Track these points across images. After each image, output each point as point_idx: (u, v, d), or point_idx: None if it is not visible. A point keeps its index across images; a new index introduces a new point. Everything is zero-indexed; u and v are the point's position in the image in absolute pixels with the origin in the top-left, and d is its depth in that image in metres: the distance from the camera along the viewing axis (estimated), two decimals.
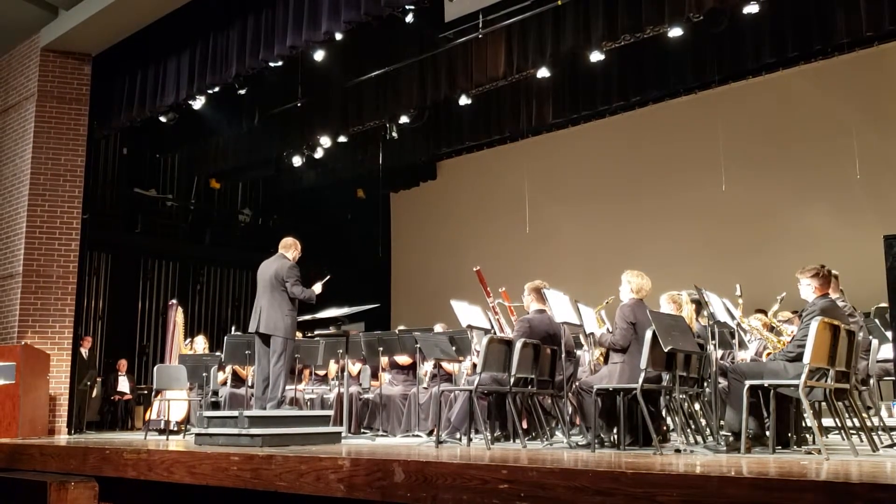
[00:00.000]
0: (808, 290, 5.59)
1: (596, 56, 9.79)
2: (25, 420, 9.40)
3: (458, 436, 7.29)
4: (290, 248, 7.73)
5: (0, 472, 6.98)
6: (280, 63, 9.55)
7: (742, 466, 4.03)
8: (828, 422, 6.49)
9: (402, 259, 16.87)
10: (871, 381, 6.66)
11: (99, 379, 12.92)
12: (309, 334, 9.20)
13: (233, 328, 13.14)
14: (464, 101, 11.12)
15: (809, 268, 5.60)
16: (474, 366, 7.42)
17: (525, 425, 7.22)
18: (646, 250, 12.46)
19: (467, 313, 7.43)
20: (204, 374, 9.74)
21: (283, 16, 9.03)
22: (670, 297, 6.53)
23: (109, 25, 10.45)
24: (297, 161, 13.45)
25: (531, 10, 9.17)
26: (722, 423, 5.91)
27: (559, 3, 8.87)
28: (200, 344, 11.09)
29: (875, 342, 6.68)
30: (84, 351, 11.84)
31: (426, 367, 9.19)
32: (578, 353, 7.60)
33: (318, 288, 7.72)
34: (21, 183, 10.89)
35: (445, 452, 5.48)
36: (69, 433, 10.46)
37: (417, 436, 8.38)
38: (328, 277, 7.90)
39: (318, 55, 9.60)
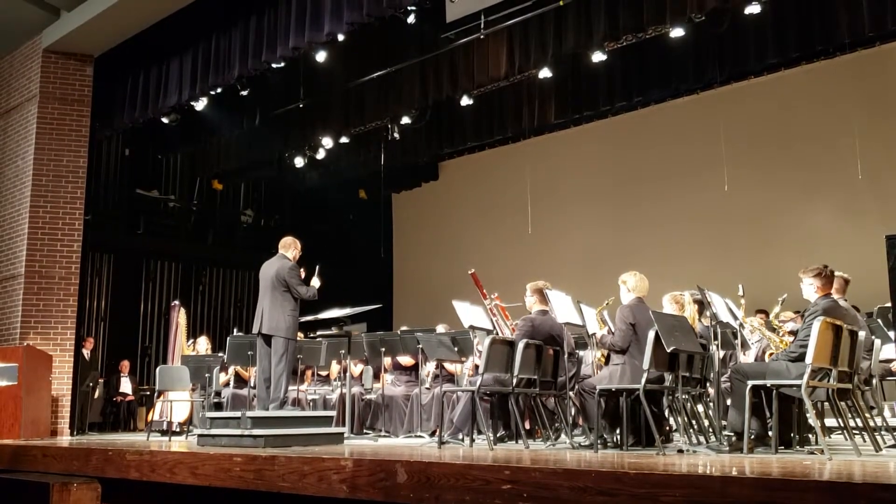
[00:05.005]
0: (810, 289, 5.59)
1: (598, 56, 9.81)
2: (28, 421, 9.40)
3: (460, 436, 7.28)
4: (289, 248, 7.74)
5: (3, 473, 6.99)
6: (282, 64, 9.55)
7: (745, 466, 4.03)
8: (830, 422, 6.48)
9: (404, 259, 16.87)
10: (874, 381, 6.66)
11: (101, 380, 12.93)
12: (311, 335, 9.21)
13: (235, 329, 13.15)
14: (465, 101, 11.12)
15: (812, 267, 5.60)
16: (476, 366, 7.42)
17: (528, 426, 7.22)
18: (648, 250, 12.46)
19: (469, 314, 7.43)
20: (206, 375, 9.75)
21: (286, 17, 9.03)
22: (673, 297, 6.54)
23: (111, 26, 10.45)
24: (299, 162, 13.46)
25: (533, 11, 9.17)
26: (725, 423, 5.91)
27: (561, 2, 8.87)
28: (203, 345, 11.09)
29: (878, 342, 6.67)
30: (86, 352, 11.84)
31: (428, 368, 9.19)
32: (581, 353, 7.60)
33: (316, 282, 7.74)
34: (23, 184, 10.90)
35: (448, 453, 5.48)
36: (71, 434, 10.46)
37: (420, 436, 8.38)
38: (317, 267, 7.90)
39: (320, 56, 9.60)
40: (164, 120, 11.18)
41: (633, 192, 13.51)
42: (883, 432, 6.29)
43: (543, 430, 6.98)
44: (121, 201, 14.96)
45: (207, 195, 16.03)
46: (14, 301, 10.64)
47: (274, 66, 9.52)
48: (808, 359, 4.94)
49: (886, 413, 7.14)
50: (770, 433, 5.37)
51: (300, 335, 8.43)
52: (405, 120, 12.05)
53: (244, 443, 6.37)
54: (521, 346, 6.37)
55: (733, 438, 5.51)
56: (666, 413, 6.34)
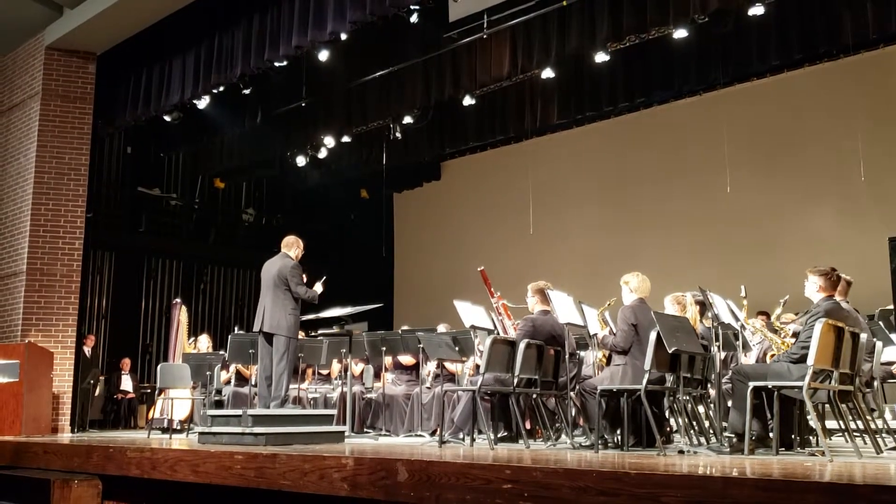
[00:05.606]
0: (812, 287, 5.57)
1: (601, 57, 9.79)
2: (29, 418, 9.41)
3: (461, 436, 7.29)
4: (292, 247, 7.74)
5: (4, 470, 6.99)
6: (285, 63, 9.55)
7: (745, 468, 4.02)
8: (831, 424, 6.48)
9: (406, 259, 16.87)
10: (875, 384, 6.65)
11: (102, 377, 12.94)
12: (312, 334, 9.22)
13: (236, 327, 13.16)
14: (468, 101, 11.10)
15: (820, 267, 5.58)
16: (477, 366, 7.42)
17: (528, 426, 7.22)
18: (650, 251, 12.45)
19: (470, 313, 7.43)
20: (207, 373, 9.75)
21: (289, 16, 9.04)
22: (674, 298, 6.53)
23: (114, 24, 10.46)
24: (301, 161, 13.46)
25: (536, 11, 9.16)
26: (725, 424, 5.90)
27: (564, 3, 8.86)
28: (204, 343, 11.11)
29: (879, 344, 6.67)
30: (87, 349, 11.85)
31: (429, 367, 9.19)
32: (582, 353, 7.60)
33: (318, 287, 7.76)
34: (25, 181, 10.91)
35: (449, 452, 5.48)
36: (72, 431, 10.47)
37: (420, 436, 8.38)
38: (325, 278, 7.93)
39: (323, 55, 9.60)
40: (167, 118, 11.19)
41: (635, 192, 13.50)
42: (884, 434, 6.29)
43: (544, 431, 6.98)
44: (123, 199, 14.99)
45: (209, 193, 16.06)
46: (16, 298, 10.65)
47: (276, 64, 9.52)
48: (810, 360, 4.94)
49: (887, 415, 7.14)
50: (771, 434, 5.37)
51: (301, 334, 8.44)
52: (407, 119, 12.04)
53: (245, 441, 6.37)
54: (522, 346, 6.37)
55: (734, 439, 5.50)
56: (667, 414, 6.34)
